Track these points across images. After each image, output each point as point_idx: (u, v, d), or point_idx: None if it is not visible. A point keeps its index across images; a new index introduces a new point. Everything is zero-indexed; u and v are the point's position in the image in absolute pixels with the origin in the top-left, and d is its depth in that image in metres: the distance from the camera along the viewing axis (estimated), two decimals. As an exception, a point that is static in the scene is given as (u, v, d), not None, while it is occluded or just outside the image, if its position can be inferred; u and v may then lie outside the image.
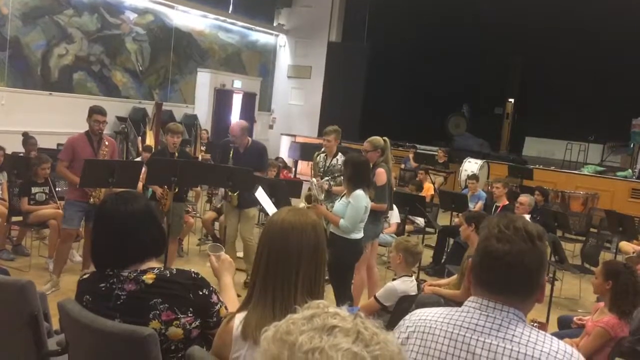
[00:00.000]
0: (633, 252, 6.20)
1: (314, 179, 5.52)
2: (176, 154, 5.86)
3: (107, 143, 5.50)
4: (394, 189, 8.45)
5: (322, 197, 5.39)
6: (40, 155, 6.68)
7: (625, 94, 13.69)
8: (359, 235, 4.60)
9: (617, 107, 13.73)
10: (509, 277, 1.47)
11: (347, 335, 0.80)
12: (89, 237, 5.49)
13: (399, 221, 7.12)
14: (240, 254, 6.13)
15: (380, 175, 5.14)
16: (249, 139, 6.00)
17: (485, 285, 1.50)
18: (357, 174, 4.52)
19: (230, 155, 5.97)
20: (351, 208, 4.44)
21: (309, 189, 5.65)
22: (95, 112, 5.38)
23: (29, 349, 2.43)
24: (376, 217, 5.16)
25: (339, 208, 4.55)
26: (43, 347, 2.44)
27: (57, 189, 6.48)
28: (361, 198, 4.46)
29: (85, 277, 2.20)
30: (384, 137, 5.44)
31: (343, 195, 4.67)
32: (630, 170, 12.37)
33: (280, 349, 0.79)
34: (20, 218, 6.21)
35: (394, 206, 7.12)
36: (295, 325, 0.82)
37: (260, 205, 5.53)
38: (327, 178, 5.70)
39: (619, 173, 12.42)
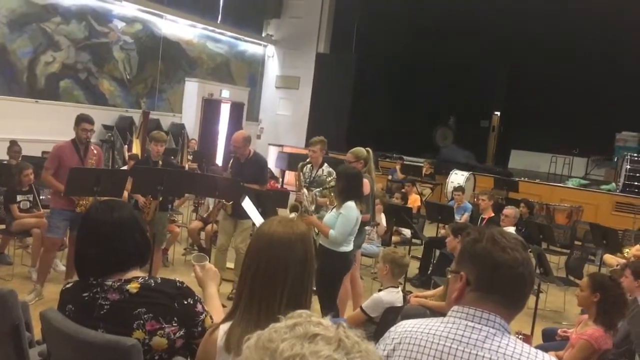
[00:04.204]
0: (617, 265, 6.24)
1: (305, 191, 5.52)
2: (160, 163, 5.83)
3: (95, 152, 5.47)
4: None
5: (312, 208, 5.40)
6: (21, 163, 6.62)
7: (609, 109, 13.89)
8: (348, 248, 4.59)
9: (601, 121, 13.92)
10: (520, 285, 1.50)
11: (329, 343, 0.80)
12: (73, 246, 5.43)
13: (384, 223, 7.18)
14: (230, 265, 6.09)
15: (364, 186, 5.15)
16: (251, 149, 5.95)
17: (496, 296, 1.49)
18: (349, 186, 4.51)
19: (230, 164, 5.97)
20: (342, 219, 4.42)
21: (296, 200, 5.65)
22: (84, 121, 5.34)
23: (10, 359, 2.39)
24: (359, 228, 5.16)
25: (329, 219, 4.53)
26: (25, 358, 2.40)
27: (41, 197, 6.42)
28: (352, 210, 4.45)
29: (68, 286, 2.17)
30: (367, 148, 5.45)
31: (334, 207, 4.65)
32: (614, 184, 12.50)
33: (261, 356, 0.79)
34: (3, 226, 6.14)
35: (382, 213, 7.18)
36: (277, 333, 0.82)
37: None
38: (318, 190, 5.68)
39: (603, 186, 12.55)
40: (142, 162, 6.16)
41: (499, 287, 1.49)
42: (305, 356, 0.78)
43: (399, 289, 4.20)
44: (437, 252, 7.20)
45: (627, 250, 6.92)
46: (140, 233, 2.19)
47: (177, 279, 2.13)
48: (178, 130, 12.92)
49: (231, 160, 6.07)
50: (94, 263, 2.07)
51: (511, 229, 6.22)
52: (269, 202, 6.07)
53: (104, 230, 2.08)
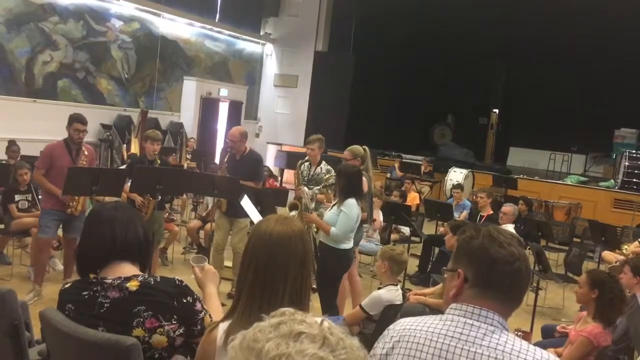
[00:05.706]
0: (616, 262, 6.25)
1: (305, 189, 5.53)
2: (158, 161, 5.81)
3: (86, 153, 5.38)
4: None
5: (312, 206, 5.42)
6: (17, 163, 6.61)
7: (607, 106, 13.90)
8: (349, 245, 4.60)
9: (600, 118, 13.93)
10: (518, 280, 1.50)
11: (314, 341, 0.81)
12: (69, 247, 5.43)
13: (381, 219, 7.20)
14: (228, 263, 6.09)
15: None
16: (247, 146, 5.94)
17: (494, 292, 1.49)
18: (350, 185, 4.53)
19: (225, 159, 5.96)
20: (343, 216, 4.44)
21: (295, 197, 5.66)
22: (76, 121, 5.24)
23: (9, 359, 2.39)
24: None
25: (330, 217, 4.55)
26: (24, 357, 2.40)
27: (39, 197, 6.40)
28: (353, 207, 4.48)
29: (67, 286, 2.17)
30: (363, 146, 5.47)
31: (334, 205, 4.67)
32: (612, 181, 12.51)
33: (247, 357, 0.80)
34: (1, 226, 6.13)
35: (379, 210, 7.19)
36: (262, 333, 0.83)
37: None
38: (318, 188, 5.70)
39: (601, 183, 12.56)
40: (138, 161, 6.13)
41: (497, 282, 1.49)
42: (291, 355, 0.78)
43: (398, 286, 4.21)
44: (436, 250, 7.21)
45: (625, 247, 6.92)
46: (143, 232, 2.21)
47: (176, 277, 2.13)
48: (176, 129, 12.90)
49: (227, 156, 6.07)
50: (94, 249, 2.09)
51: (510, 227, 6.23)
52: (267, 201, 6.07)
53: (107, 220, 2.12)
